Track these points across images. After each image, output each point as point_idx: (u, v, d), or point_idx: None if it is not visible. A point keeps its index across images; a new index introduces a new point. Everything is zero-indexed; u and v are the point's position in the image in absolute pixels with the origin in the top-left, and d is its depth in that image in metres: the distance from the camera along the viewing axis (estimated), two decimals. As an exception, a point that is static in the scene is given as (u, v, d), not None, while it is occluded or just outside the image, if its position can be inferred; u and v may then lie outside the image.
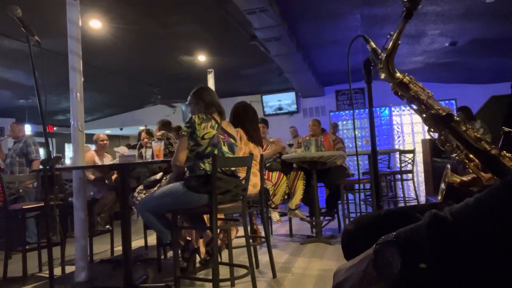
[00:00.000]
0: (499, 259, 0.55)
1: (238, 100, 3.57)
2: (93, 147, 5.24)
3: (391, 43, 1.05)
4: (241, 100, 3.60)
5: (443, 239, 0.57)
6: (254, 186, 3.10)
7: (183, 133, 2.49)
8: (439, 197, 1.03)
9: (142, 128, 4.70)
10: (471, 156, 0.92)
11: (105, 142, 4.53)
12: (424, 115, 0.98)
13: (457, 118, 0.93)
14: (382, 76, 1.06)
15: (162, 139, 3.37)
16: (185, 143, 2.49)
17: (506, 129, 0.88)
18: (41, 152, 5.29)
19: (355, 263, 0.68)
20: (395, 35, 1.05)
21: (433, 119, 0.96)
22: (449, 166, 1.03)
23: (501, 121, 0.90)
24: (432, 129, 0.98)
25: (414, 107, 1.01)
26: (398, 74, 1.04)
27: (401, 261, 0.60)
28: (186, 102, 2.75)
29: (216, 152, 2.50)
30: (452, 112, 0.94)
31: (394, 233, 0.63)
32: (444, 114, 0.95)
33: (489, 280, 0.57)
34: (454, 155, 0.95)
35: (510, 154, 0.87)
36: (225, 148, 2.58)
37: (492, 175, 0.90)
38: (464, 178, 1.00)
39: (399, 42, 1.06)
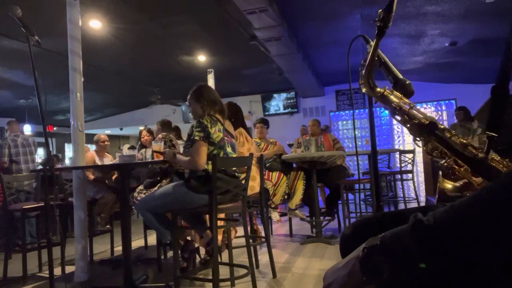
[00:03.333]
0: (480, 264, 0.55)
1: (239, 100, 3.63)
2: (92, 147, 5.25)
3: (368, 59, 1.06)
4: (241, 100, 3.67)
5: (427, 244, 0.57)
6: (251, 188, 3.13)
7: (195, 137, 2.40)
8: (435, 200, 1.04)
9: (142, 128, 4.70)
10: (460, 161, 0.93)
11: (106, 143, 4.54)
12: (408, 125, 0.99)
13: (441, 126, 0.94)
14: (363, 90, 1.08)
15: (166, 140, 3.37)
16: (203, 145, 2.41)
17: (490, 133, 0.88)
18: (41, 152, 5.32)
19: (341, 266, 0.69)
20: (370, 51, 1.06)
21: (418, 129, 0.97)
22: (440, 173, 1.04)
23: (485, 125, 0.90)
24: (417, 138, 0.99)
25: (398, 118, 1.02)
26: (378, 89, 1.06)
27: (388, 265, 0.60)
28: (187, 102, 2.71)
29: (222, 154, 2.49)
30: (436, 120, 0.95)
31: (380, 236, 0.64)
32: (427, 122, 0.95)
33: (472, 284, 0.57)
34: (443, 161, 0.96)
35: (498, 157, 0.88)
36: (229, 149, 2.58)
37: (483, 179, 0.90)
38: (456, 184, 1.00)
39: (376, 57, 1.08)
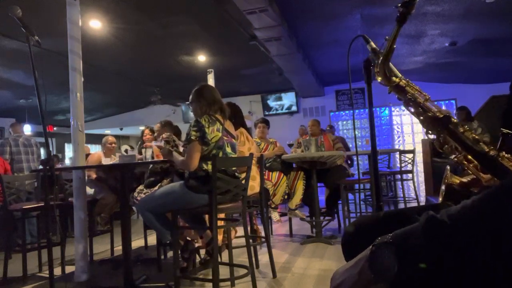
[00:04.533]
0: (495, 261, 0.55)
1: (239, 100, 3.64)
2: (93, 147, 5.27)
3: (386, 47, 1.05)
4: (241, 100, 3.68)
5: (439, 241, 0.57)
6: (251, 188, 3.13)
7: (191, 137, 2.41)
8: (440, 198, 1.03)
9: (143, 128, 4.73)
10: (470, 157, 0.92)
11: (113, 145, 4.55)
12: (422, 118, 0.98)
13: (455, 120, 0.93)
14: (379, 79, 1.06)
15: (169, 140, 3.38)
16: (196, 147, 2.42)
17: (505, 130, 0.88)
18: (42, 152, 5.35)
19: (351, 265, 0.68)
20: (390, 39, 1.04)
21: (431, 122, 0.96)
22: (448, 167, 1.03)
23: (500, 122, 0.89)
24: (430, 131, 0.98)
25: (412, 109, 1.01)
26: (394, 78, 1.04)
27: (397, 263, 0.60)
28: (188, 102, 2.72)
29: (220, 154, 2.49)
30: (450, 114, 0.94)
31: (390, 235, 0.63)
32: (441, 116, 0.94)
33: (486, 281, 0.57)
34: (453, 156, 0.95)
35: (509, 155, 0.87)
36: (228, 150, 2.57)
37: (491, 176, 0.90)
38: (464, 179, 0.99)
39: (394, 46, 1.05)
